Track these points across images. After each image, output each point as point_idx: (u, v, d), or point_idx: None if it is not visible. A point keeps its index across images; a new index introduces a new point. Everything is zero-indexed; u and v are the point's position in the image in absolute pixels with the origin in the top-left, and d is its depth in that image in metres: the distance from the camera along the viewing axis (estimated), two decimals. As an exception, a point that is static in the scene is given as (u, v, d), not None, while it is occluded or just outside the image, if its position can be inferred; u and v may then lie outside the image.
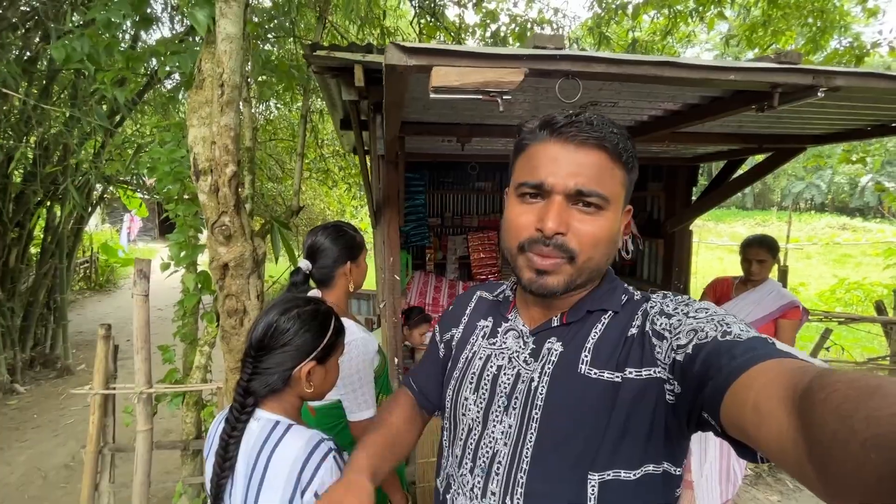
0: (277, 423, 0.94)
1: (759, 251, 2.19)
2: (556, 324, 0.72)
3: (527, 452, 0.67)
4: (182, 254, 2.39)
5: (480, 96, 0.94)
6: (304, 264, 1.45)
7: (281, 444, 0.92)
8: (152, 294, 2.51)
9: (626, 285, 0.76)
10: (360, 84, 1.47)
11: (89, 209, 5.32)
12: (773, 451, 0.41)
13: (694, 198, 3.07)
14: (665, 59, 0.96)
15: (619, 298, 0.72)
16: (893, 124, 1.69)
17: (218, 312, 2.63)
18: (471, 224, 4.71)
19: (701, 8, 4.02)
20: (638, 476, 0.62)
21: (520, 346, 0.74)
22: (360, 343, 1.31)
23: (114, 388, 2.47)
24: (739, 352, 0.50)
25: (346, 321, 1.36)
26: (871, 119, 1.69)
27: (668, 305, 0.66)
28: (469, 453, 0.74)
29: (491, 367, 0.76)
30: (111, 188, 5.83)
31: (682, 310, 0.64)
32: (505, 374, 0.73)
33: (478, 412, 0.74)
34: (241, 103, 1.88)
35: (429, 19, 5.19)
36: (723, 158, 2.66)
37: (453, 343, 0.88)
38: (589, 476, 0.62)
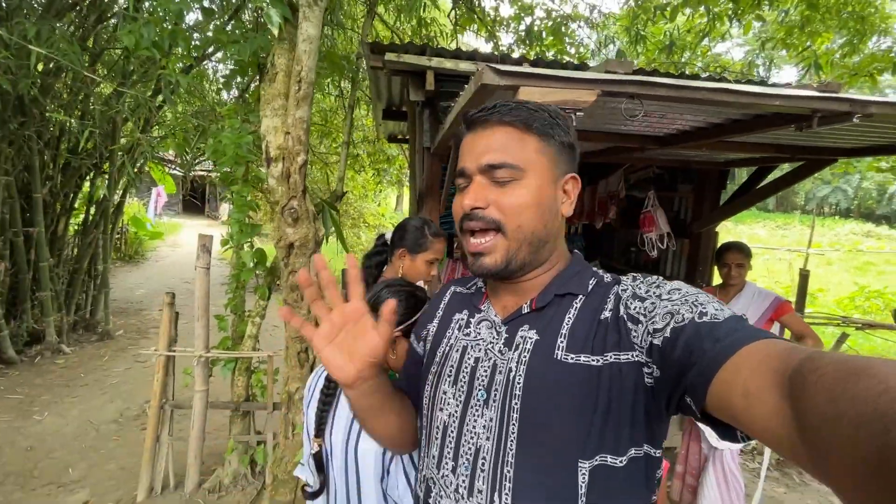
0: None
1: (737, 256, 2.31)
2: (526, 311, 0.72)
3: (511, 445, 0.65)
4: (241, 232, 2.60)
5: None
6: (388, 234, 1.66)
7: None
8: (183, 266, 2.70)
9: (595, 269, 0.76)
10: (430, 87, 1.63)
11: (133, 183, 5.59)
12: (764, 433, 0.42)
13: (722, 201, 3.18)
14: (720, 85, 1.10)
15: (587, 282, 0.71)
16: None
17: (269, 287, 2.86)
18: (498, 215, 4.88)
19: (739, 10, 4.04)
20: (625, 462, 0.62)
21: (493, 337, 0.73)
22: None
23: (175, 351, 2.71)
24: (722, 334, 0.50)
25: None
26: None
27: (640, 288, 0.66)
28: (449, 452, 0.71)
29: (468, 359, 0.74)
30: (147, 164, 6.10)
31: (654, 292, 0.63)
32: (482, 365, 0.72)
33: (456, 406, 0.72)
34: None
35: (465, 11, 5.28)
36: (754, 164, 2.76)
37: (429, 338, 0.86)
38: (579, 464, 0.61)
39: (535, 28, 5.18)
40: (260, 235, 2.83)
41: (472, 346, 0.75)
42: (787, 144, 2.03)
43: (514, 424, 0.65)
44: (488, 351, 0.73)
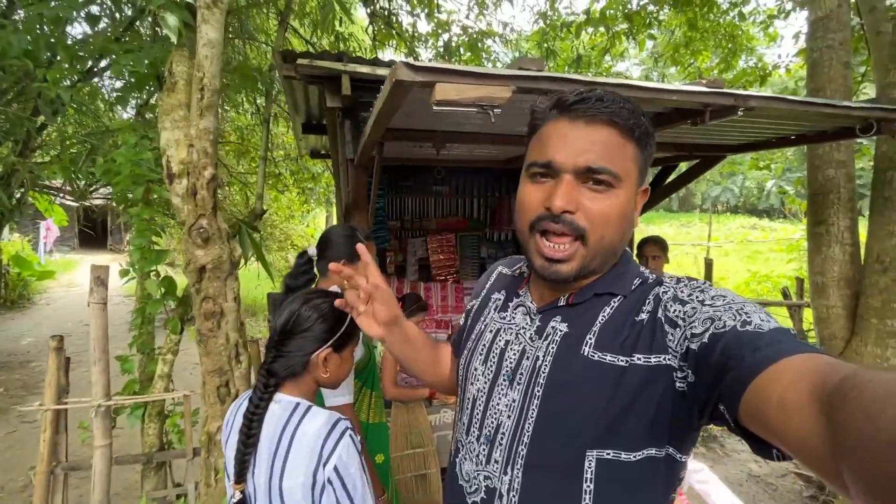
0: (297, 404, 1.03)
1: (654, 248, 2.52)
2: (562, 304, 0.72)
3: (528, 427, 0.68)
4: (144, 259, 2.32)
5: (475, 109, 1.09)
6: (312, 250, 1.52)
7: (303, 422, 1.00)
8: (81, 307, 2.38)
9: (641, 267, 0.74)
10: (346, 93, 1.56)
11: (10, 217, 4.85)
12: (798, 448, 0.41)
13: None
14: (625, 81, 1.16)
15: (629, 282, 0.71)
16: (792, 137, 2.05)
17: (181, 319, 2.58)
18: (429, 227, 4.85)
19: (634, 29, 4.47)
20: (638, 458, 0.62)
21: (526, 323, 0.75)
22: None
23: (67, 403, 2.33)
24: (763, 343, 0.48)
25: None
26: (775, 132, 2.03)
27: (682, 291, 0.64)
28: (476, 422, 0.76)
29: (499, 340, 0.77)
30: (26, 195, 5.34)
31: (697, 297, 0.61)
32: (511, 349, 0.74)
33: (485, 383, 0.76)
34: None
35: (382, 27, 5.30)
36: (657, 165, 3.01)
37: (471, 313, 0.91)
38: (587, 453, 0.63)
39: (453, 44, 5.31)
40: (172, 265, 2.55)
41: (504, 329, 0.78)
42: (686, 143, 2.23)
43: (534, 409, 0.68)
44: (519, 335, 0.75)
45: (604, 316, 0.68)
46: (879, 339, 1.95)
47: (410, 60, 1.00)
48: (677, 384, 0.58)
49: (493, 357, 0.77)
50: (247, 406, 1.01)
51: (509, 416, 0.71)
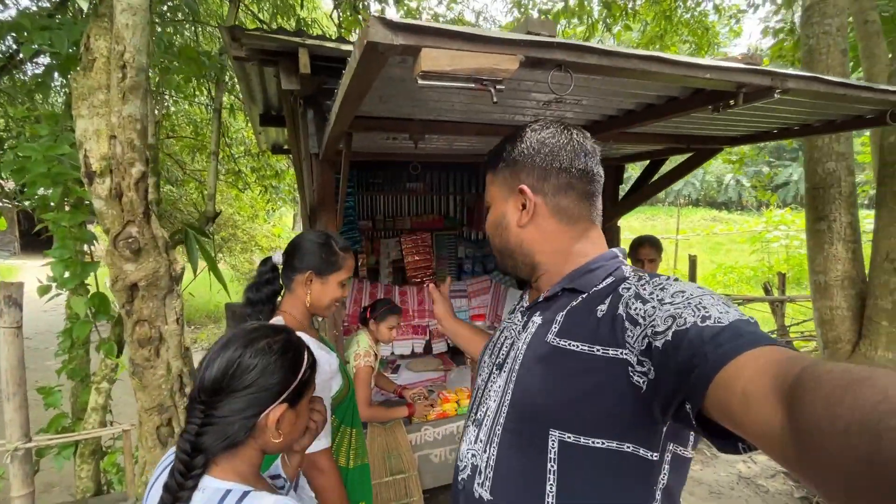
0: (228, 492, 0.73)
1: (650, 251, 2.39)
2: (540, 300, 0.82)
3: (504, 409, 0.76)
4: (67, 273, 1.95)
5: (472, 85, 0.84)
6: (277, 257, 1.29)
7: None
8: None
9: (621, 267, 0.77)
10: (305, 70, 1.28)
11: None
12: (760, 438, 0.42)
13: (619, 196, 3.27)
14: (653, 53, 0.93)
15: (595, 280, 0.76)
16: (796, 127, 1.91)
17: (119, 341, 2.22)
18: (403, 226, 4.56)
19: (610, 20, 4.33)
20: (598, 447, 0.64)
21: (518, 320, 0.86)
22: (318, 359, 1.13)
23: (-26, 448, 1.94)
24: (725, 338, 0.50)
25: (301, 335, 1.18)
26: (777, 123, 1.88)
27: (644, 289, 0.66)
28: (475, 408, 0.87)
29: (502, 337, 0.89)
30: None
31: (657, 295, 0.63)
32: (507, 342, 0.85)
33: (487, 374, 0.87)
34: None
35: (349, 13, 4.95)
36: (646, 159, 2.85)
37: None
38: (550, 432, 0.68)
39: (424, 32, 5.02)
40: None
41: (507, 328, 0.89)
42: (685, 134, 2.05)
43: (509, 393, 0.76)
44: (512, 331, 0.86)
45: (569, 308, 0.75)
46: (891, 342, 1.84)
47: (387, 15, 0.73)
48: (633, 378, 0.61)
49: (496, 351, 0.87)
50: (161, 497, 0.72)
51: (494, 400, 0.80)
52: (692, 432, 0.66)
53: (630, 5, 4.24)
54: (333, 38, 1.91)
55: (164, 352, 1.65)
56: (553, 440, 0.68)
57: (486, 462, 0.76)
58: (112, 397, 2.31)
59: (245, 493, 0.72)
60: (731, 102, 1.18)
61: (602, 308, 0.69)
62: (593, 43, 0.88)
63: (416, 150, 2.62)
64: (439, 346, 4.11)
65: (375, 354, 2.49)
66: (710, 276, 11.46)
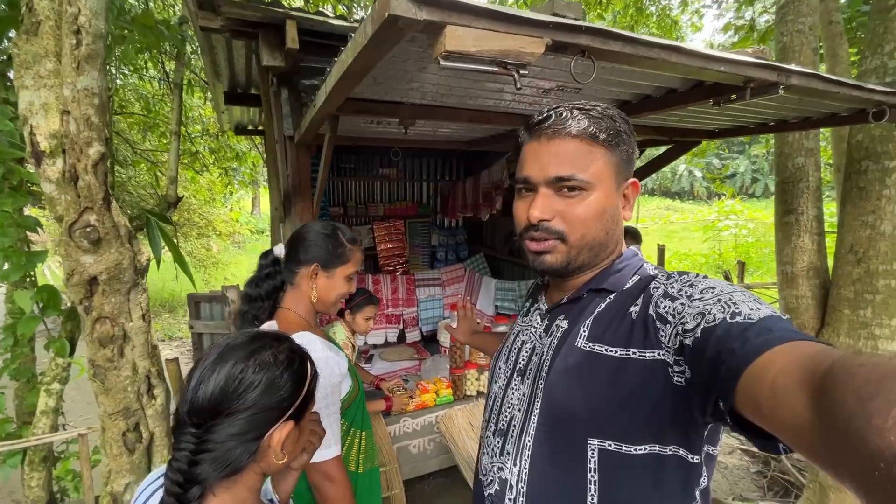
0: None
1: (630, 242, 2.45)
2: (563, 301, 0.78)
3: (533, 419, 0.72)
4: (7, 265, 1.75)
5: (496, 68, 0.77)
6: (279, 250, 1.20)
7: None
8: None
9: (644, 265, 0.75)
10: (293, 45, 1.16)
11: None
12: (790, 434, 0.41)
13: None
14: (674, 43, 0.91)
15: (625, 279, 0.73)
16: (772, 123, 1.97)
17: (71, 338, 2.03)
18: (376, 213, 4.44)
19: (585, 8, 4.33)
20: (641, 453, 0.62)
21: (538, 323, 0.82)
22: (324, 364, 1.03)
23: None
24: (753, 334, 0.49)
25: (307, 335, 1.08)
26: (756, 118, 1.93)
27: (672, 287, 0.65)
28: (493, 417, 0.82)
29: (518, 341, 0.84)
30: None
31: (686, 292, 0.62)
32: (525, 347, 0.81)
33: (504, 380, 0.83)
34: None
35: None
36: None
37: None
38: (589, 441, 0.65)
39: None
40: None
41: (523, 331, 0.85)
42: (669, 127, 2.07)
43: (538, 400, 0.72)
44: (531, 335, 0.82)
45: (598, 310, 0.72)
46: (852, 329, 1.96)
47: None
48: (674, 379, 0.59)
49: (512, 356, 0.83)
50: None
51: (519, 409, 0.76)
52: (727, 430, 0.65)
53: (604, -5, 4.26)
54: (308, 10, 1.77)
55: (128, 351, 1.51)
56: (593, 450, 0.65)
57: (518, 476, 0.72)
58: (63, 398, 2.11)
59: None
60: (733, 97, 1.18)
61: (634, 309, 0.67)
62: (617, 29, 0.83)
63: (396, 136, 2.52)
64: (413, 335, 4.06)
65: (353, 346, 2.41)
66: (665, 263, 12.02)
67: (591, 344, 0.68)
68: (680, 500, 0.64)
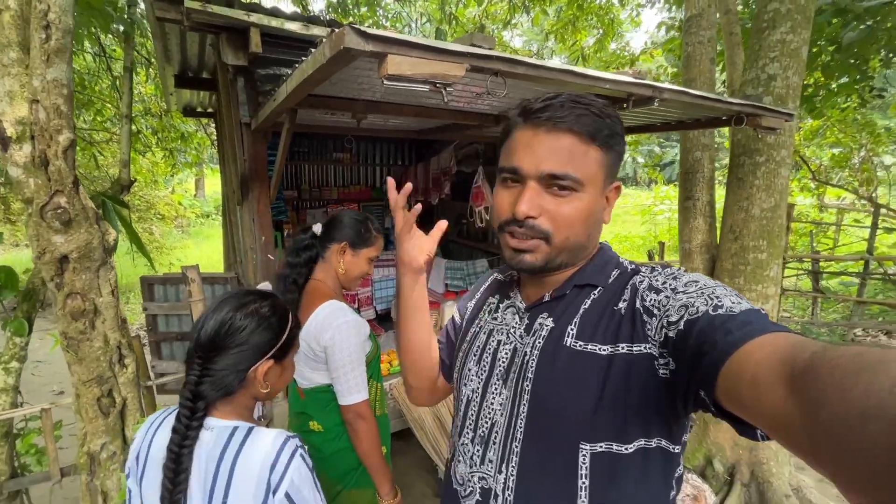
0: (235, 428, 0.88)
1: None
2: (546, 299, 0.74)
3: (520, 424, 0.69)
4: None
5: (427, 87, 1.00)
6: (317, 227, 1.43)
7: (244, 449, 0.87)
8: None
9: (620, 259, 0.76)
10: (256, 49, 1.32)
11: None
12: (771, 425, 0.42)
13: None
14: (568, 67, 1.17)
15: (608, 274, 0.73)
16: (673, 122, 2.33)
17: (29, 317, 2.08)
18: (330, 196, 4.56)
19: (529, 2, 4.60)
20: (631, 451, 0.62)
21: (516, 322, 0.77)
22: (353, 325, 1.29)
23: None
24: (734, 326, 0.50)
25: (336, 302, 1.33)
26: (662, 118, 2.28)
27: (657, 280, 0.66)
28: (470, 423, 0.77)
29: (492, 341, 0.79)
30: None
31: (670, 284, 0.63)
32: (503, 348, 0.76)
33: (478, 384, 0.78)
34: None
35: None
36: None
37: (466, 317, 0.93)
38: (580, 446, 0.63)
39: (348, -4, 4.89)
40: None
41: (497, 330, 0.80)
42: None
43: (524, 404, 0.69)
44: (510, 335, 0.77)
45: (584, 307, 0.70)
46: (730, 294, 2.40)
47: (359, 25, 0.87)
48: (660, 371, 0.59)
49: (487, 357, 0.79)
50: (171, 438, 0.84)
51: (502, 414, 0.72)
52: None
53: (547, -9, 4.55)
54: (262, 6, 1.89)
55: (99, 324, 1.63)
56: (584, 455, 0.63)
57: (504, 484, 0.69)
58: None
59: (250, 429, 0.87)
60: (625, 106, 1.48)
61: (621, 304, 0.66)
62: (523, 57, 1.09)
63: (342, 124, 2.68)
64: (368, 314, 4.27)
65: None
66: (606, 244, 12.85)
67: (580, 343, 0.66)
68: (660, 490, 0.65)
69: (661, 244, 4.58)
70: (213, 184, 17.68)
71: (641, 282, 0.67)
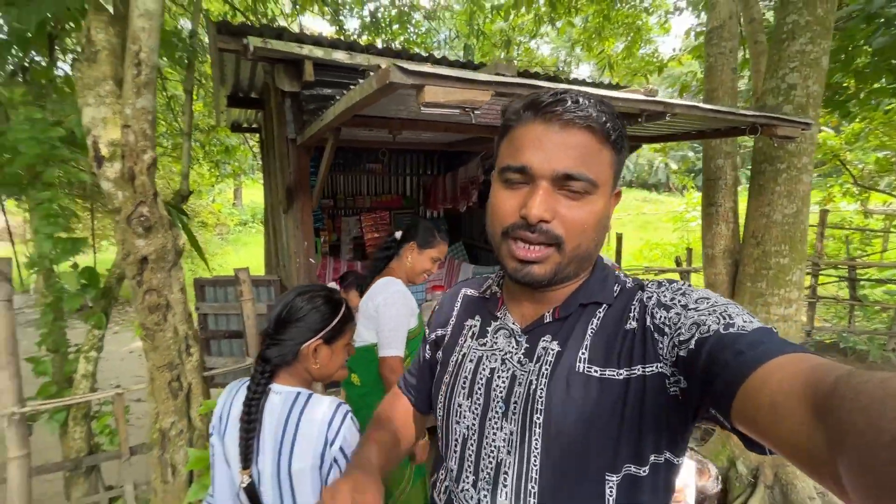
0: (299, 393, 1.08)
1: None
2: (548, 320, 0.68)
3: (535, 460, 0.63)
4: (57, 249, 2.07)
5: (458, 111, 1.17)
6: (398, 234, 1.78)
7: (307, 409, 1.06)
8: None
9: (616, 272, 0.73)
10: (309, 79, 1.53)
11: None
12: (791, 450, 0.40)
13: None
14: (583, 89, 1.31)
15: (611, 289, 0.68)
16: (693, 132, 2.42)
17: (106, 312, 2.36)
18: (364, 205, 4.81)
19: (555, 15, 4.74)
20: (647, 471, 0.61)
21: (512, 347, 0.70)
22: (403, 294, 1.61)
23: (-32, 415, 2.05)
24: (746, 346, 0.48)
25: (393, 278, 1.68)
26: (682, 128, 2.38)
27: (665, 296, 0.63)
28: (469, 466, 0.69)
29: (483, 370, 0.71)
30: None
31: (679, 300, 0.61)
32: (499, 377, 0.69)
33: (473, 419, 0.70)
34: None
35: (304, -10, 4.97)
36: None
37: (442, 344, 0.84)
38: (607, 477, 0.60)
39: (380, 15, 5.17)
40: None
41: (487, 357, 0.72)
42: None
43: (536, 439, 0.63)
44: (506, 361, 0.69)
45: (592, 328, 0.65)
46: (752, 298, 2.45)
47: (402, 64, 1.05)
48: (670, 390, 0.58)
49: (479, 389, 0.70)
50: (245, 394, 1.04)
51: (509, 452, 0.65)
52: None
53: (573, 3, 4.67)
54: (311, 34, 2.12)
55: (170, 317, 1.87)
56: (611, 487, 0.60)
57: None
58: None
59: (310, 395, 1.07)
60: (640, 120, 1.61)
61: (632, 323, 0.63)
62: (545, 82, 1.24)
63: (384, 139, 2.90)
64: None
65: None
66: (637, 252, 12.70)
67: (595, 368, 0.62)
68: (665, 499, 0.64)
69: (689, 250, 4.58)
70: (250, 194, 18.50)
71: (650, 298, 0.64)
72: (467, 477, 0.70)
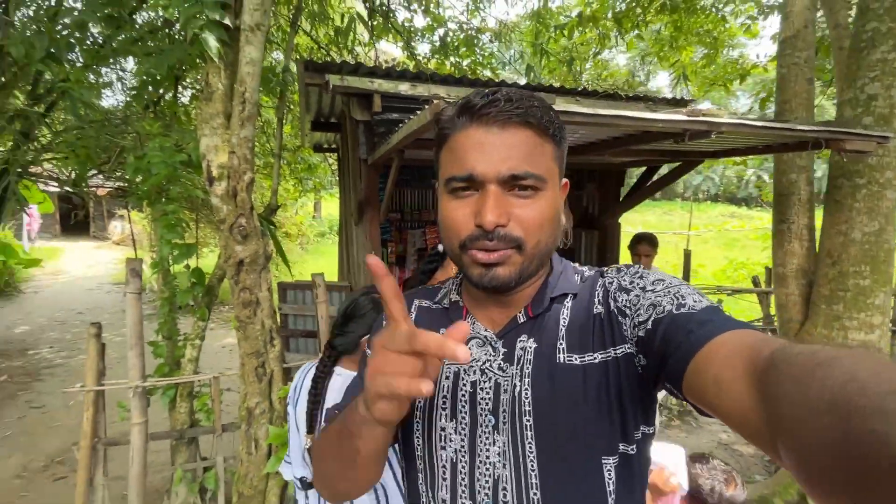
0: (356, 377, 1.28)
1: (647, 248, 2.84)
2: (522, 320, 0.68)
3: (532, 465, 0.62)
4: (176, 252, 2.52)
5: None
6: (440, 247, 1.92)
7: None
8: (71, 295, 2.55)
9: (570, 263, 0.75)
10: (378, 110, 1.78)
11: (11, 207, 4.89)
12: (734, 421, 0.43)
13: (621, 196, 3.72)
14: (621, 113, 1.41)
15: (573, 279, 0.70)
16: (759, 147, 2.34)
17: (209, 307, 2.79)
18: (428, 218, 5.08)
19: (623, 31, 4.72)
20: (635, 449, 0.63)
21: (489, 354, 0.67)
22: None
23: (105, 385, 2.53)
24: (695, 325, 0.51)
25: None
26: (745, 143, 2.32)
27: (624, 280, 0.66)
28: (463, 491, 0.65)
29: (464, 385, 0.67)
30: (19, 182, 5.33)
31: (638, 283, 0.63)
32: (482, 389, 0.66)
33: (462, 441, 0.66)
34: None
35: (380, 21, 5.43)
36: (643, 165, 3.29)
37: None
38: (603, 461, 0.61)
39: (449, 39, 5.48)
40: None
41: (464, 371, 0.68)
42: (668, 150, 2.51)
43: (530, 443, 0.62)
44: (486, 371, 0.66)
45: (564, 318, 0.66)
46: (827, 321, 2.29)
47: (448, 98, 1.23)
48: (637, 368, 0.61)
49: (463, 406, 0.67)
50: (314, 373, 1.27)
51: (505, 465, 0.63)
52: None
53: (640, 19, 4.63)
54: (382, 67, 2.41)
55: (259, 312, 2.20)
56: (609, 469, 0.62)
57: None
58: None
59: None
60: (685, 139, 1.65)
61: (598, 308, 0.65)
62: (579, 108, 1.36)
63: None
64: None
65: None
66: (720, 271, 11.74)
67: (575, 356, 0.63)
68: (645, 471, 0.67)
69: (768, 269, 4.25)
70: (328, 207, 19.88)
71: (611, 283, 0.66)
72: (464, 501, 0.65)
